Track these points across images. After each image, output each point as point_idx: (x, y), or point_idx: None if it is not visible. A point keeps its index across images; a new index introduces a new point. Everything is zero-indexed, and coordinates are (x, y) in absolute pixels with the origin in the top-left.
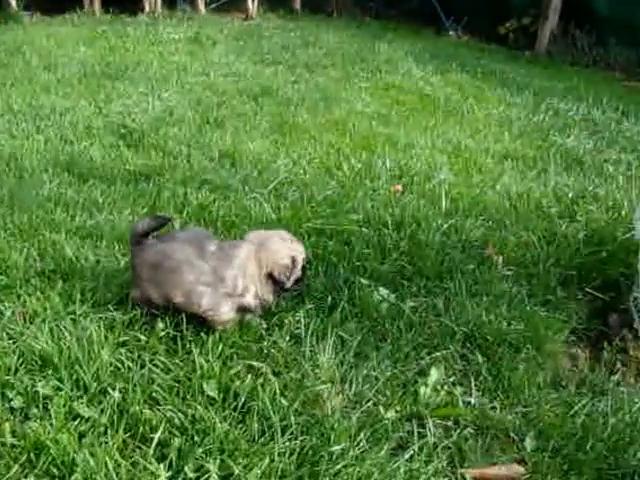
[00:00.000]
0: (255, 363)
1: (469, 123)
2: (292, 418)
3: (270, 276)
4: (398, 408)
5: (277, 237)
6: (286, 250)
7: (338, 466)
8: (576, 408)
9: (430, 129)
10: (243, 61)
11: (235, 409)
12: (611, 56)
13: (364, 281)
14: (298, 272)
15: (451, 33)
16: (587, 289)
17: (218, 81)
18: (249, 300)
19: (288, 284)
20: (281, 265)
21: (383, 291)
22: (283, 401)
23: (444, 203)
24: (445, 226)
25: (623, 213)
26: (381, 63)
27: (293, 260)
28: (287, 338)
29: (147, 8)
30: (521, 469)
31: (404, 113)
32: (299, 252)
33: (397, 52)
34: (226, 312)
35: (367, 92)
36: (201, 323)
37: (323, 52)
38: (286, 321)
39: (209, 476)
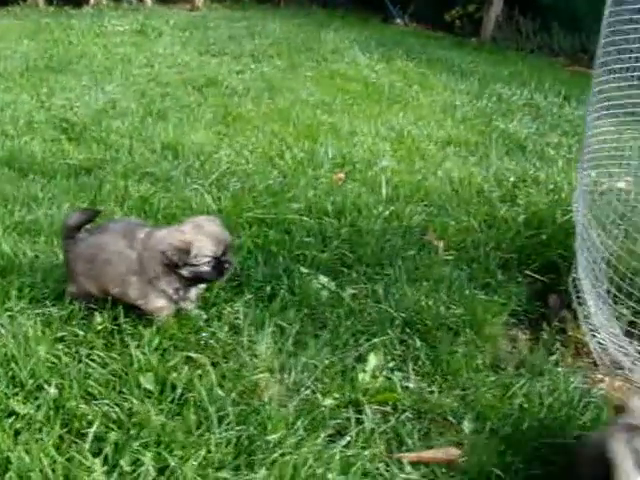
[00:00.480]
0: (193, 354)
1: (413, 110)
2: (229, 408)
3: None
4: (336, 395)
5: (191, 224)
6: (179, 236)
7: (275, 455)
8: (514, 389)
9: (374, 117)
10: (188, 52)
11: (172, 401)
12: (555, 42)
13: (304, 269)
14: (197, 259)
15: (398, 21)
16: (527, 272)
17: (163, 72)
18: (164, 286)
19: (184, 271)
20: (171, 247)
21: (323, 279)
22: (220, 392)
23: (385, 190)
24: (386, 213)
25: (563, 195)
26: (327, 52)
27: (187, 245)
28: (226, 329)
29: (92, 0)
30: (458, 451)
31: (348, 101)
32: (205, 240)
33: (344, 41)
34: (154, 300)
35: (312, 81)
36: (141, 314)
37: (269, 42)
38: (225, 312)
39: (145, 469)
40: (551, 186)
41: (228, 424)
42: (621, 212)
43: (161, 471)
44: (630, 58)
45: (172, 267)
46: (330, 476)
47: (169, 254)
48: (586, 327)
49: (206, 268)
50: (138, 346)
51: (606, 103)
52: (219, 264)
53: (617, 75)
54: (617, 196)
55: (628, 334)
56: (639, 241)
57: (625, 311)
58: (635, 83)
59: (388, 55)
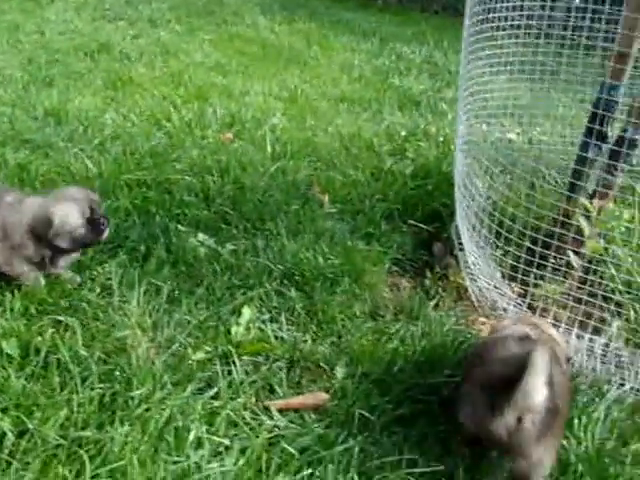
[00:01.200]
0: (62, 318)
1: (311, 70)
2: (94, 367)
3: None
4: (208, 349)
5: (53, 194)
6: (40, 207)
7: (139, 410)
8: (389, 334)
9: (269, 77)
10: (82, 18)
11: (36, 365)
12: (460, 3)
13: (182, 228)
14: (65, 227)
15: None
16: (411, 221)
17: (54, 39)
18: (29, 254)
19: (60, 242)
20: (34, 219)
21: (202, 236)
22: (83, 352)
23: (269, 148)
24: (272, 169)
25: (452, 147)
26: (228, 15)
27: (48, 215)
28: (97, 290)
29: None
30: (326, 396)
31: (245, 63)
32: (68, 206)
33: (246, 4)
34: (18, 266)
35: (210, 44)
36: (9, 279)
37: (167, 6)
38: (97, 273)
39: (3, 434)
40: (441, 139)
41: (92, 383)
42: (507, 161)
43: (21, 434)
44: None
45: (40, 238)
46: (194, 427)
47: (32, 225)
48: (465, 272)
49: (81, 231)
50: (3, 312)
51: (503, 59)
52: (94, 224)
53: (489, 25)
54: (506, 146)
55: (505, 277)
56: (521, 189)
57: (503, 256)
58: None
59: (290, 17)
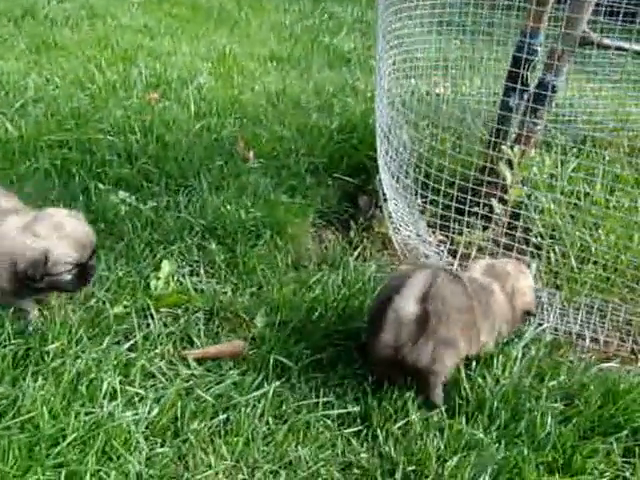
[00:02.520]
0: None
1: (241, 31)
2: (7, 324)
3: None
4: (127, 303)
5: (47, 222)
6: (33, 242)
7: (54, 364)
8: (310, 283)
9: (197, 39)
10: None
11: None
12: None
13: (102, 186)
14: (55, 269)
15: None
16: (337, 175)
17: None
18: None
19: (40, 284)
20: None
21: (123, 194)
22: None
23: (194, 106)
24: (197, 127)
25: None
26: None
27: (42, 255)
28: None
29: None
30: (244, 343)
31: (174, 25)
32: (66, 245)
33: None
34: None
35: (139, 7)
36: None
37: None
38: None
39: None
40: (369, 94)
41: (5, 340)
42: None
43: None
44: None
45: (24, 280)
46: (108, 378)
47: (22, 267)
48: (389, 222)
49: (67, 277)
50: None
51: (436, 19)
52: (82, 271)
53: None
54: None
55: (430, 226)
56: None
57: (428, 205)
58: None
59: None
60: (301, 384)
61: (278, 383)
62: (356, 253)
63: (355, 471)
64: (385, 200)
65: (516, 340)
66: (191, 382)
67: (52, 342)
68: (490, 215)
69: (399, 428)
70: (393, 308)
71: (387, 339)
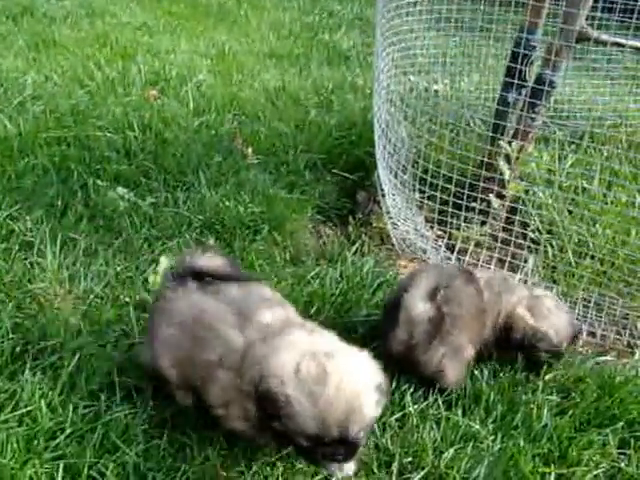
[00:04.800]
0: None
1: (240, 29)
2: (6, 320)
3: None
4: (127, 299)
5: None
6: None
7: (53, 358)
8: (308, 278)
9: (197, 36)
10: None
11: None
12: None
13: (101, 183)
14: None
15: None
16: (335, 171)
17: None
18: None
19: None
20: None
21: (121, 190)
22: None
23: (193, 103)
24: (195, 124)
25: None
26: None
27: None
28: (17, 247)
29: None
30: None
31: (173, 23)
32: None
33: None
34: None
35: (138, 5)
36: None
37: None
38: (15, 231)
39: None
40: (368, 91)
41: (4, 335)
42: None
43: None
44: None
45: None
46: (107, 373)
47: None
48: (387, 217)
49: None
50: None
51: (435, 16)
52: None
53: None
54: (432, 96)
55: (428, 221)
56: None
57: (426, 201)
58: None
59: None
60: None
61: None
62: (354, 248)
63: None
64: (383, 196)
65: None
66: None
67: (51, 338)
68: (488, 210)
69: (396, 420)
70: (403, 308)
71: (400, 337)
